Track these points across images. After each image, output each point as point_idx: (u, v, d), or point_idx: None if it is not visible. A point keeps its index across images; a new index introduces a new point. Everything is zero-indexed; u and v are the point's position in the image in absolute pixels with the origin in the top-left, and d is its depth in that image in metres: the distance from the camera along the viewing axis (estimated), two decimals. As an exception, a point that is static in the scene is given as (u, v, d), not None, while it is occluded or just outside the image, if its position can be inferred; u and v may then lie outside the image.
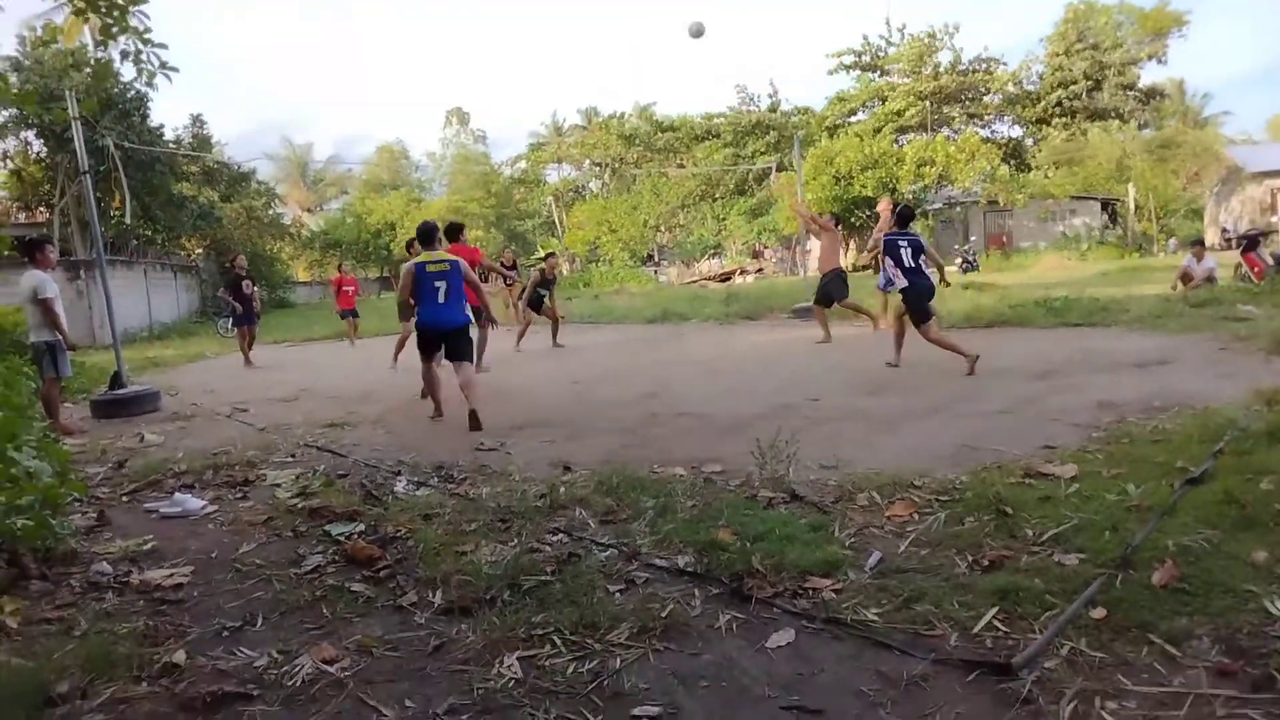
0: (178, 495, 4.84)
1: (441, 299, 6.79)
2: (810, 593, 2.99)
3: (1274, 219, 29.72)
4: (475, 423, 6.49)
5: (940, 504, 3.83)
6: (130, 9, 4.09)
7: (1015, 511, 3.57)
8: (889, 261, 8.34)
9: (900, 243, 8.30)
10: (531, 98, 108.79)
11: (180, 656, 2.77)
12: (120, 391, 8.96)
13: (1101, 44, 44.15)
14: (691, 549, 3.46)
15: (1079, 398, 6.12)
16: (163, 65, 4.33)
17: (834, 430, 5.72)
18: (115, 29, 4.08)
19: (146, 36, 4.23)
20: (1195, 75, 60.22)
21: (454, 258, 7.02)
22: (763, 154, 44.45)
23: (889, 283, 11.00)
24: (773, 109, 48.36)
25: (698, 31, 12.24)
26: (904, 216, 8.77)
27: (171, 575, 3.57)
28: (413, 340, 7.58)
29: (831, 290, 11.11)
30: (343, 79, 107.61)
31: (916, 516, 3.71)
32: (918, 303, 8.18)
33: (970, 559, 3.17)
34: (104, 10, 4.04)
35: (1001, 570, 3.02)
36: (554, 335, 12.93)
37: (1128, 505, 3.54)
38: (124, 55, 4.26)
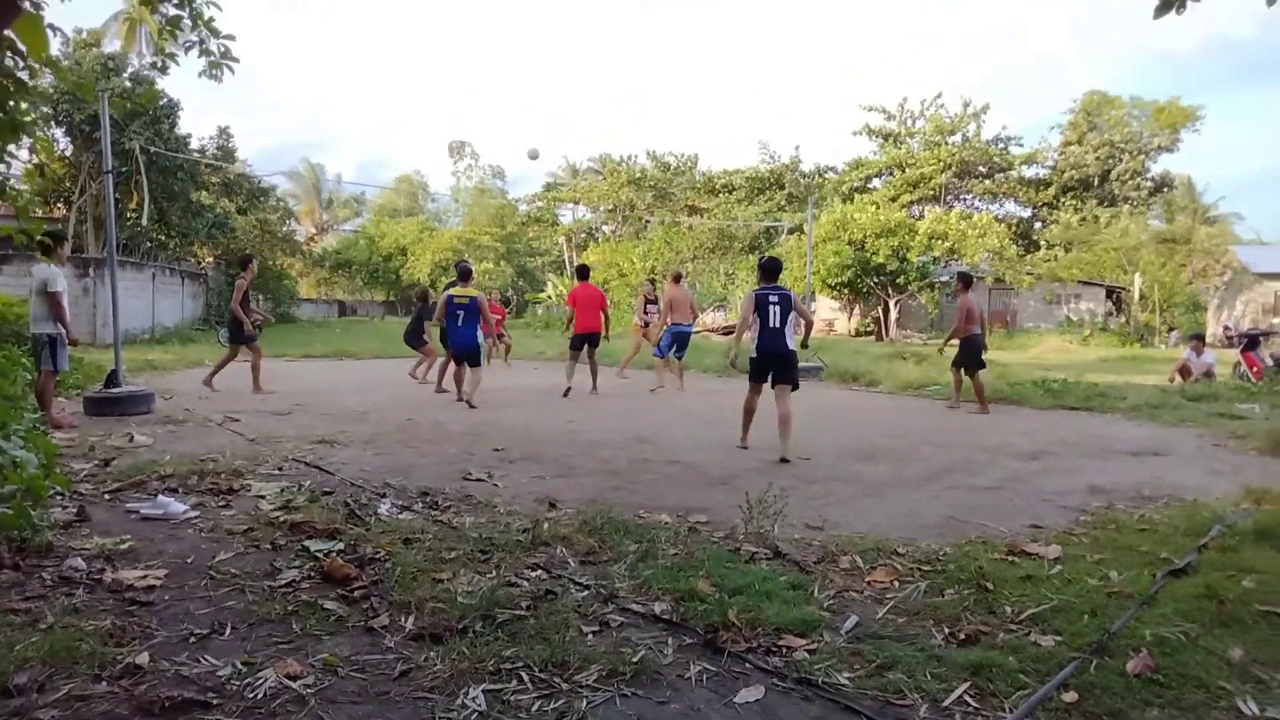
0: (161, 498, 4.83)
1: (461, 324, 9.89)
2: (784, 651, 2.97)
3: (1276, 320, 29.87)
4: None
5: (922, 573, 3.81)
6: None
7: (996, 588, 3.56)
8: (757, 322, 7.17)
9: (771, 298, 7.18)
10: (554, 138, 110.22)
11: (144, 659, 2.75)
12: (115, 390, 8.96)
13: (1115, 132, 44.86)
14: (669, 596, 3.45)
15: (1070, 480, 6.12)
16: (225, 55, 4.38)
17: (823, 491, 5.71)
18: (186, 18, 4.14)
19: (213, 25, 4.29)
20: (1207, 173, 61.74)
21: (476, 294, 10.20)
22: (782, 210, 44.96)
23: (672, 348, 12.06)
24: (792, 167, 48.96)
25: (534, 155, 17.24)
26: (770, 269, 7.56)
27: (145, 576, 3.55)
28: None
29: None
30: (370, 105, 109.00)
31: (897, 584, 3.69)
32: (760, 369, 7.25)
33: (947, 631, 3.15)
34: (176, 1, 4.10)
35: (977, 645, 3.00)
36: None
37: (1109, 591, 3.53)
38: (188, 46, 4.32)
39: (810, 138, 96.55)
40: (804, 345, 8.23)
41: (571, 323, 11.76)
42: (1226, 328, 30.36)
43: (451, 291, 10.11)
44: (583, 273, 12.41)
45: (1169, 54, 78.68)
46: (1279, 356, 14.45)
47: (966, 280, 10.99)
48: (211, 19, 4.28)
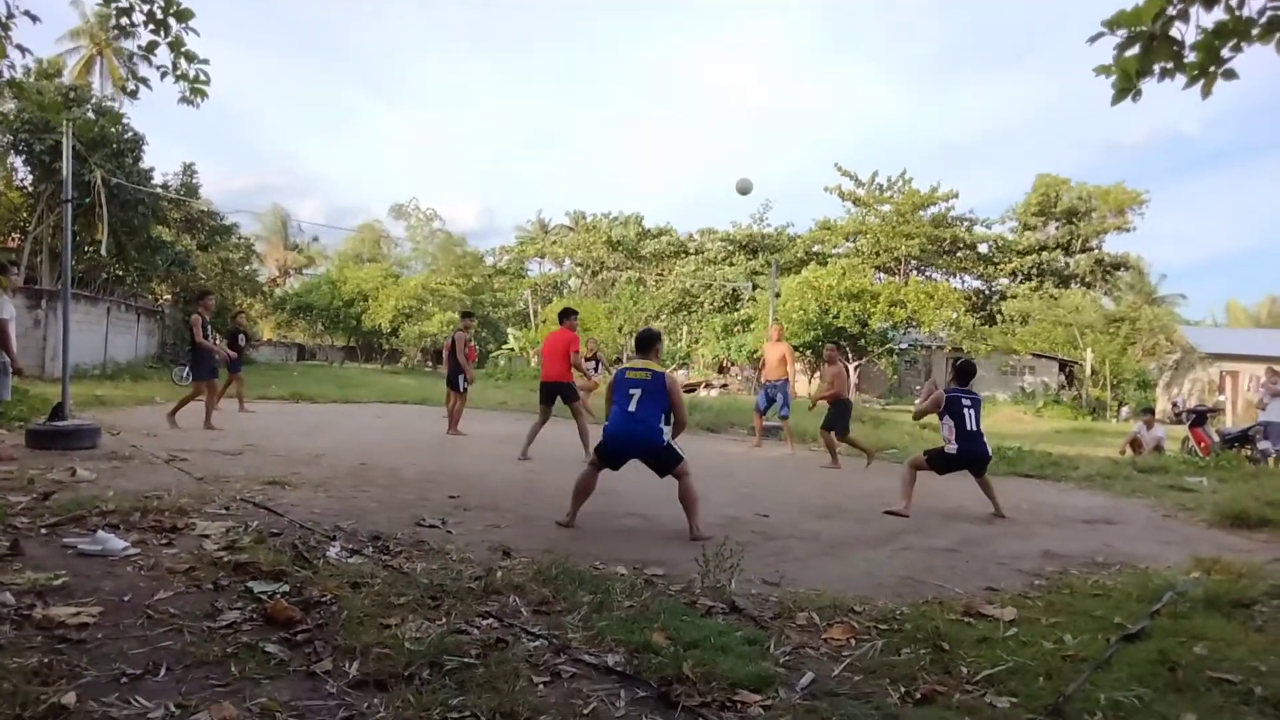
0: (100, 534, 4.65)
1: (632, 408, 6.14)
2: (738, 706, 2.91)
3: (1221, 398, 30.71)
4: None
5: (879, 632, 3.78)
6: (179, 25, 4.13)
7: (952, 648, 3.54)
8: (948, 422, 7.43)
9: (964, 401, 7.45)
10: (522, 193, 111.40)
11: (70, 698, 2.61)
12: (60, 424, 8.70)
13: (1075, 211, 46.46)
14: (623, 648, 3.37)
15: (1025, 545, 6.16)
16: (200, 80, 4.35)
17: (781, 547, 5.68)
18: (165, 41, 4.11)
19: (190, 51, 4.27)
20: (1151, 257, 64.58)
21: (658, 369, 6.33)
22: (756, 274, 45.61)
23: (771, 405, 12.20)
24: (778, 232, 49.80)
25: (745, 189, 11.53)
26: (965, 371, 7.79)
27: (78, 614, 3.40)
28: None
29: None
30: (343, 154, 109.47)
31: (854, 642, 3.65)
32: (954, 464, 7.54)
33: (903, 690, 3.11)
34: (152, 28, 4.08)
35: (933, 705, 2.97)
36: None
37: (1063, 654, 3.52)
38: (163, 73, 4.29)
39: (779, 193, 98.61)
40: None
41: None
42: (1175, 404, 31.12)
43: (624, 365, 6.84)
44: (561, 315, 10.83)
45: (1119, 144, 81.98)
46: (1225, 433, 14.82)
47: (840, 348, 11.88)
48: (188, 48, 4.27)
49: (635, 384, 6.19)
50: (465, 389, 13.09)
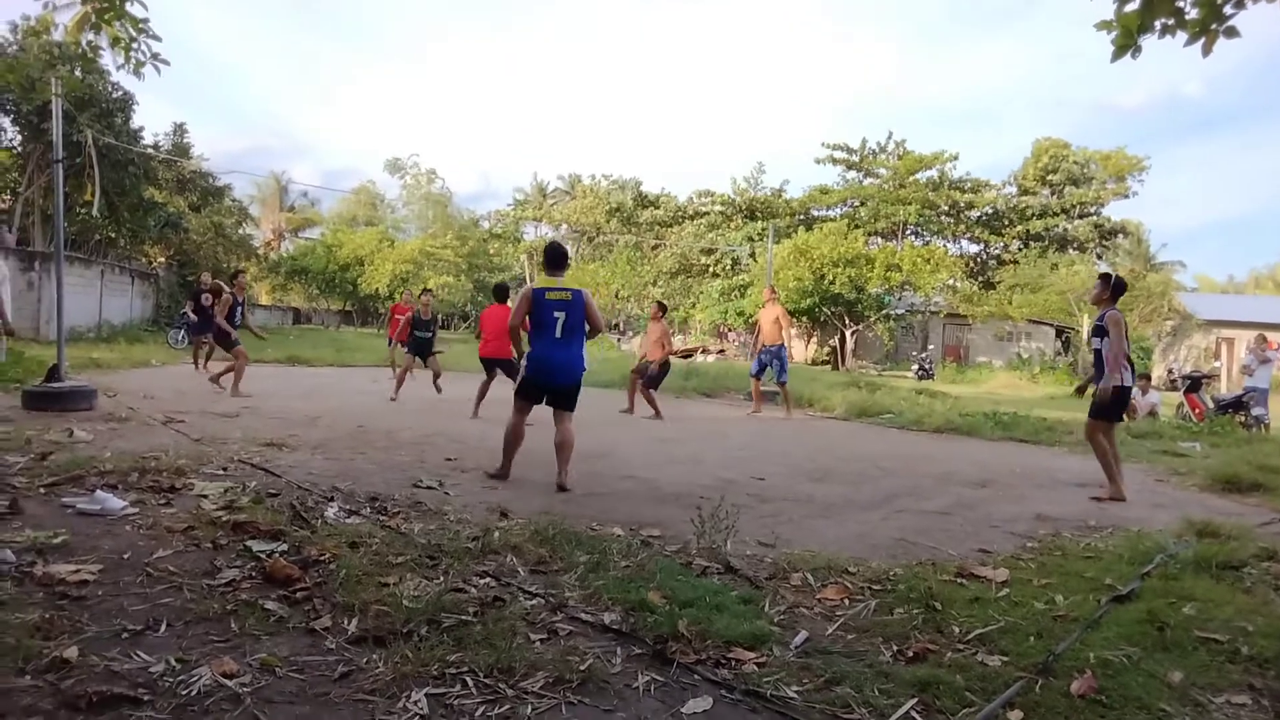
0: (99, 493, 4.67)
1: (559, 334, 5.94)
2: (733, 663, 2.95)
3: (1217, 364, 30.80)
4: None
5: (872, 592, 3.82)
6: None
7: (944, 608, 3.58)
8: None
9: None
10: (519, 156, 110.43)
11: (72, 653, 2.64)
12: (56, 385, 8.69)
13: (1073, 177, 46.26)
14: (620, 607, 3.41)
15: (1018, 508, 6.21)
16: (154, 56, 4.30)
17: (775, 510, 5.72)
18: (110, 14, 4.05)
19: (141, 25, 4.21)
20: (1150, 222, 64.23)
21: (575, 287, 6.09)
22: (752, 240, 45.35)
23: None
24: (775, 195, 49.38)
25: None
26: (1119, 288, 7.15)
27: (78, 571, 3.42)
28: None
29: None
30: (340, 118, 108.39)
31: (847, 602, 3.70)
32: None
33: (895, 648, 3.16)
34: None
35: (925, 663, 3.01)
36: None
37: (1054, 614, 3.57)
38: (114, 41, 4.24)
39: (776, 158, 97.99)
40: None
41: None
42: (1170, 370, 31.24)
43: (540, 284, 6.13)
44: (499, 293, 10.97)
45: (1116, 107, 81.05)
46: (1219, 399, 14.89)
47: (664, 308, 12.56)
48: (144, 20, 4.19)
49: (558, 306, 5.94)
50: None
